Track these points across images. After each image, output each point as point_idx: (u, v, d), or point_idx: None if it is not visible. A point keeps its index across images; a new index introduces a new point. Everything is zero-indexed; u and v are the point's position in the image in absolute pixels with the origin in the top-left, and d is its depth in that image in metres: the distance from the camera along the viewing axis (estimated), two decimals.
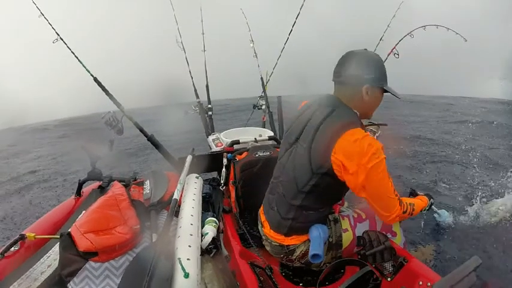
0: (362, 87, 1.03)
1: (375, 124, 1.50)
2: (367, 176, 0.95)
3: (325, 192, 1.07)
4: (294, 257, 1.19)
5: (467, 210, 2.38)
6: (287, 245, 1.17)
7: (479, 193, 2.50)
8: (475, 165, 3.30)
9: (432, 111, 6.56)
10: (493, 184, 2.69)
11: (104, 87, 1.71)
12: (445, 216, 1.93)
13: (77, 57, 1.69)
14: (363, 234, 1.16)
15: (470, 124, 4.76)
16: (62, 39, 1.67)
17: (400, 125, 5.37)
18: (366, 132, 1.00)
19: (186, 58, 2.59)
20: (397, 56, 1.82)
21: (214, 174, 2.04)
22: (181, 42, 2.52)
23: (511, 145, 3.90)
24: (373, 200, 1.04)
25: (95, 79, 1.70)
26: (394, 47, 1.84)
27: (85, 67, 1.69)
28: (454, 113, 6.24)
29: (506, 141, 4.14)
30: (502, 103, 7.06)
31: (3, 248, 1.15)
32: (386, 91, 1.09)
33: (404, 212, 1.07)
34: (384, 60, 1.88)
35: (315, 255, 1.07)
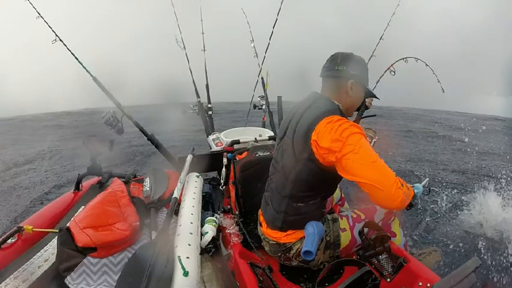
0: (347, 82, 1.09)
1: (370, 129, 1.53)
2: (343, 147, 0.92)
3: (310, 180, 1.08)
4: (291, 255, 1.19)
5: (465, 212, 2.40)
6: (284, 243, 1.18)
7: (477, 197, 2.52)
8: (471, 172, 3.35)
9: (426, 125, 6.65)
10: (490, 187, 2.71)
11: (104, 87, 1.67)
12: (419, 188, 1.65)
13: (76, 58, 1.66)
14: (367, 231, 1.15)
15: (462, 137, 4.86)
16: (61, 40, 1.64)
17: (395, 135, 5.46)
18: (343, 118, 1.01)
19: (186, 54, 2.56)
20: (393, 73, 1.95)
21: (214, 173, 2.04)
22: (182, 39, 2.50)
23: (503, 155, 4.00)
24: (361, 175, 0.92)
25: (95, 79, 1.67)
26: (392, 65, 1.95)
27: (84, 67, 1.66)
28: (447, 127, 6.34)
29: (497, 154, 4.21)
30: (502, 120, 7.06)
31: (0, 239, 1.14)
32: (367, 96, 1.18)
33: (402, 186, 0.93)
34: (380, 76, 1.99)
35: (306, 252, 1.07)
